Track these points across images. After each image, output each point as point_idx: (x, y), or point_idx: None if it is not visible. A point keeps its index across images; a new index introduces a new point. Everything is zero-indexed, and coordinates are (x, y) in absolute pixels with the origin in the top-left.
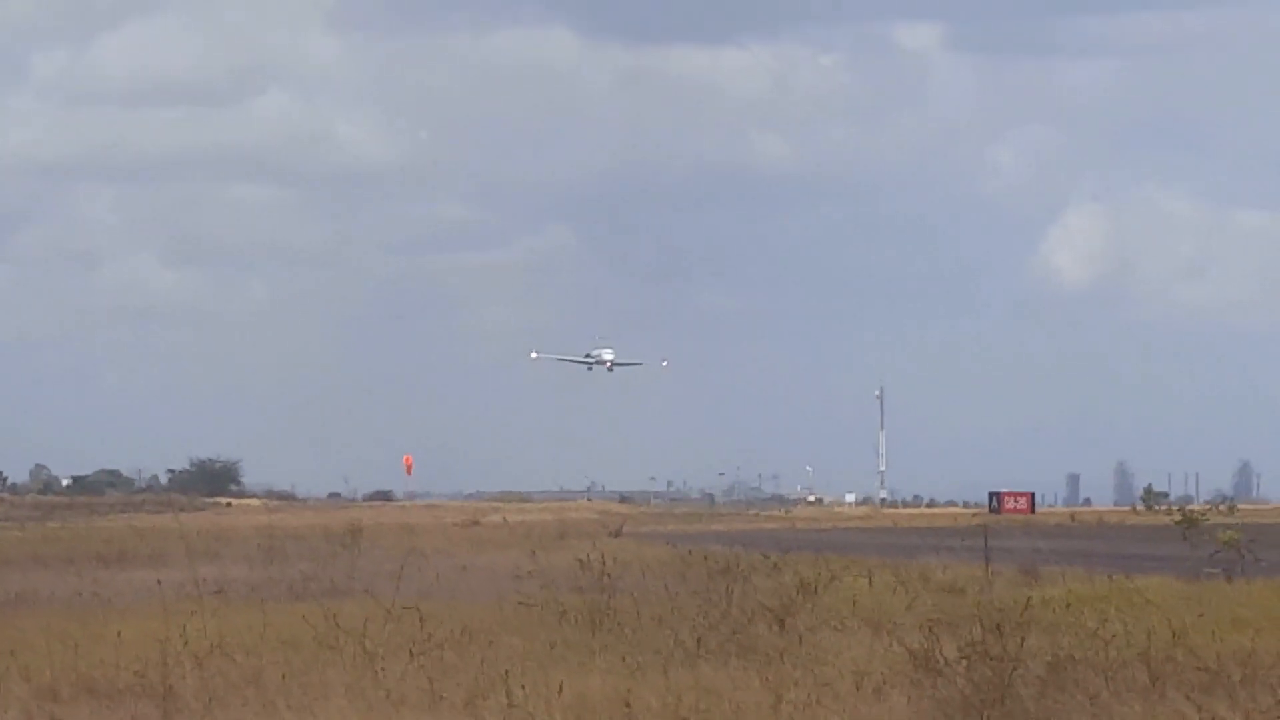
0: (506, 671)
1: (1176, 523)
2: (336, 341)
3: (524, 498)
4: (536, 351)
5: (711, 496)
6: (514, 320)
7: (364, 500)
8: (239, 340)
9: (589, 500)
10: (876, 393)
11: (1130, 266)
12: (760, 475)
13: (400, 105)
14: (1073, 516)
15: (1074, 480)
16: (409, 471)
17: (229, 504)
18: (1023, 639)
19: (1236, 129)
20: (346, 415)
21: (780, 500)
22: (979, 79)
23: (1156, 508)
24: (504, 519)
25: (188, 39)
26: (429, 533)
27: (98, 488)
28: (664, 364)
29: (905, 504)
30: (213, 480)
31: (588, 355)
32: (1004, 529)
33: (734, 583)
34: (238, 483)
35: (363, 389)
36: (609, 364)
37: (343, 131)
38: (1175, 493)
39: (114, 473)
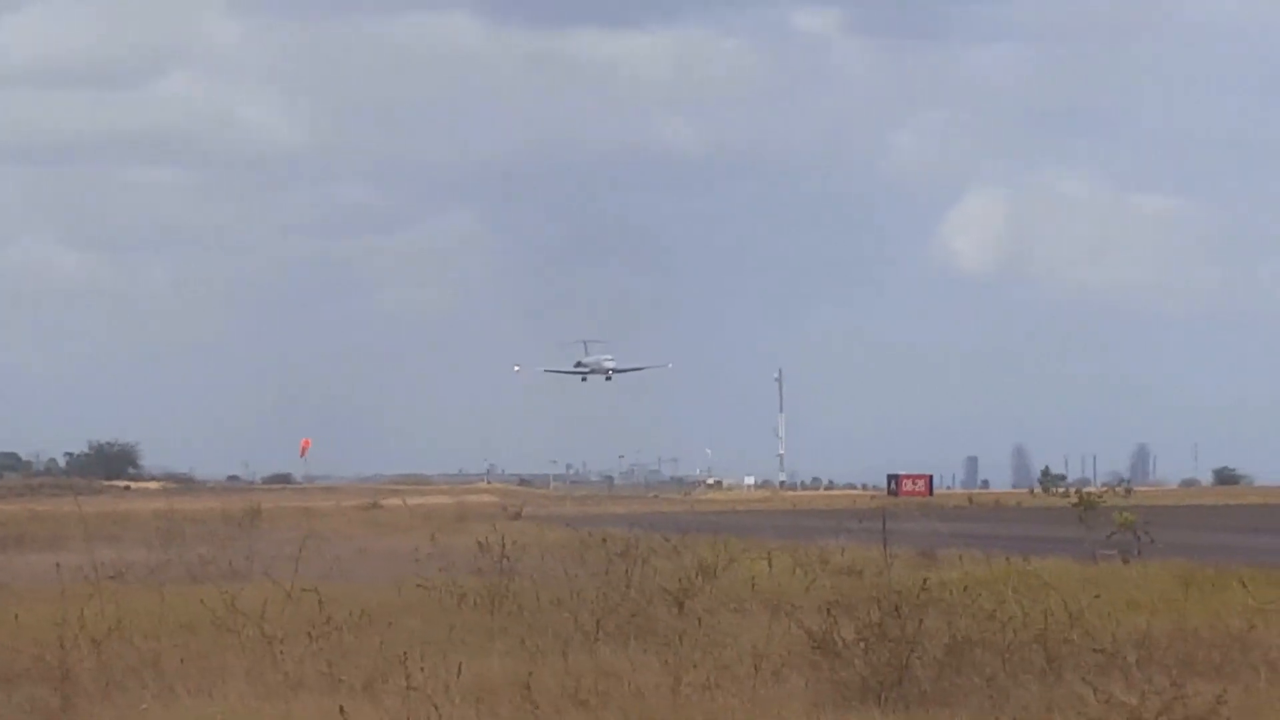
0: (404, 654)
1: (1073, 505)
2: (237, 324)
3: (423, 480)
4: (519, 365)
5: (611, 479)
6: (418, 303)
7: (263, 483)
8: (138, 323)
9: (489, 483)
10: (775, 375)
11: (1029, 250)
12: (659, 458)
13: (304, 88)
14: (971, 499)
15: (972, 463)
16: (302, 454)
17: (128, 487)
18: (920, 621)
19: (1134, 113)
20: (246, 398)
21: (679, 483)
22: (880, 63)
23: (1054, 490)
24: (403, 502)
25: (91, 21)
26: (328, 516)
27: None
28: (669, 366)
29: (804, 486)
30: (111, 463)
31: (579, 364)
32: (902, 511)
33: (633, 565)
34: (136, 466)
35: (263, 372)
36: (608, 372)
37: (246, 114)
38: (1073, 475)
39: (11, 456)
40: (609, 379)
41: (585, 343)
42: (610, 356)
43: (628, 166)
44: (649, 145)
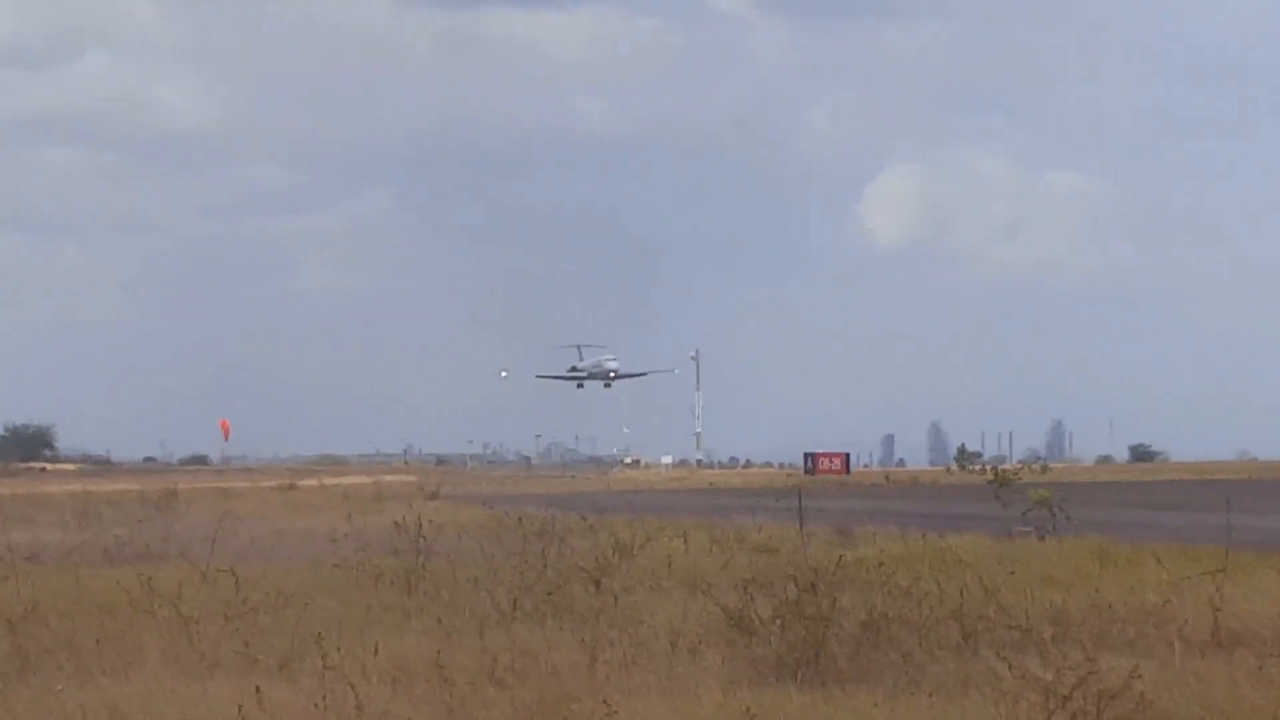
0: (319, 634)
1: (989, 482)
2: (153, 305)
3: (341, 461)
4: (505, 371)
5: (528, 459)
6: (333, 284)
7: (180, 465)
8: (54, 304)
9: (406, 463)
10: (692, 354)
11: (945, 228)
12: (576, 437)
13: (218, 68)
14: (887, 477)
15: (889, 440)
16: (226, 436)
17: (44, 469)
18: (836, 598)
19: (1047, 91)
20: (163, 380)
21: (597, 462)
22: (796, 42)
23: (970, 467)
24: (320, 483)
25: (5, 1)
26: (245, 497)
27: None
28: (674, 371)
29: (722, 465)
30: (27, 445)
31: (574, 369)
32: (819, 489)
33: (550, 544)
34: (52, 448)
35: (180, 353)
36: (609, 376)
37: (161, 94)
38: (989, 452)
39: None
40: (608, 386)
41: (579, 347)
42: (613, 357)
43: (544, 146)
44: (565, 125)
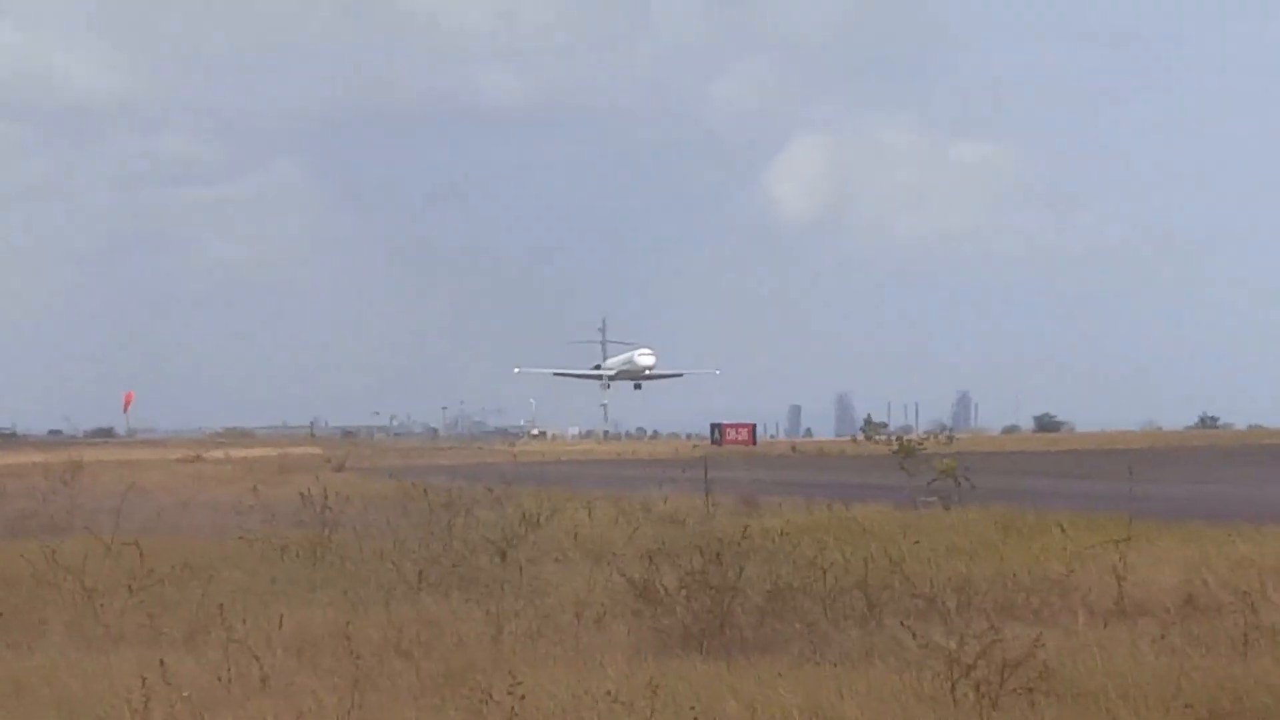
0: (224, 606)
1: (894, 452)
2: (57, 278)
3: (247, 433)
4: (519, 367)
5: (435, 430)
6: (241, 254)
7: (86, 437)
8: None
9: (312, 435)
10: (599, 326)
11: (851, 198)
12: (484, 409)
13: (123, 38)
14: (794, 447)
15: (795, 411)
16: (126, 408)
17: None
18: (742, 568)
19: (956, 60)
20: (68, 352)
21: (503, 433)
22: (702, 10)
23: (876, 438)
24: (226, 455)
25: None
26: (151, 469)
27: None
28: (716, 372)
29: (629, 436)
30: None
31: (598, 367)
32: (726, 460)
33: (456, 516)
34: None
35: (84, 325)
36: (642, 374)
37: (65, 65)
38: (895, 423)
39: None
40: (639, 387)
41: (603, 344)
42: (647, 352)
43: (450, 117)
44: (471, 96)
